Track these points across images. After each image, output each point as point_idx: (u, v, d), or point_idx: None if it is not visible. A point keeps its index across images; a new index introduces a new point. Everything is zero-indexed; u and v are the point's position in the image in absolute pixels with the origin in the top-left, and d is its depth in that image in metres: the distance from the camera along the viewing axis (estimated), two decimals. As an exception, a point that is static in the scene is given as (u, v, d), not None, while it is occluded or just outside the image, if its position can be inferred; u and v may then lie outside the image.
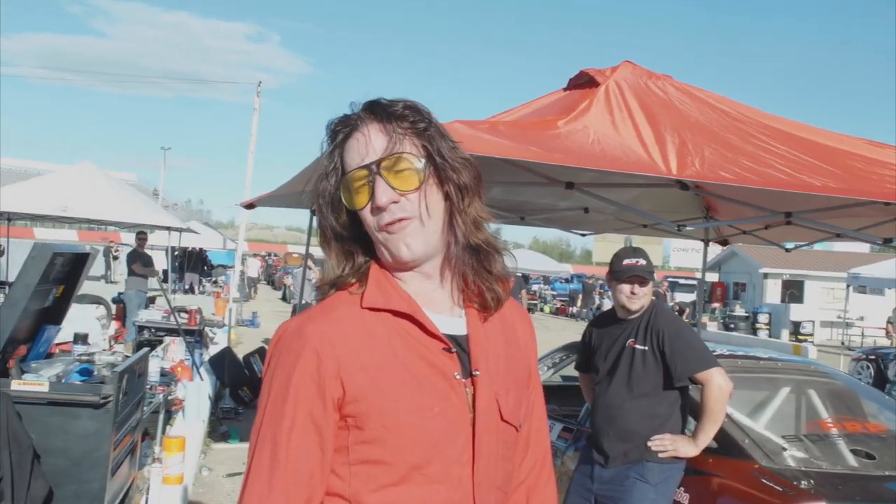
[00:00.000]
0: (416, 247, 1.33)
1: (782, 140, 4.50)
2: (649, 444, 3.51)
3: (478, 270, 1.41)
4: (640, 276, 3.63)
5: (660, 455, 3.49)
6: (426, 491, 1.30)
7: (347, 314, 1.35)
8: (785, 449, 3.59)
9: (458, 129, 3.63)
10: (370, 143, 1.33)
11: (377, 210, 1.32)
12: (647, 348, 3.60)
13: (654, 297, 3.77)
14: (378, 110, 1.35)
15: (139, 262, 13.44)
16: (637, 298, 3.65)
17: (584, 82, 4.92)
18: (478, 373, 1.37)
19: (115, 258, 33.64)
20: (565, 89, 5.11)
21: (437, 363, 1.35)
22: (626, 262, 3.70)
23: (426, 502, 1.31)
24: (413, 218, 1.32)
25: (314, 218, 7.35)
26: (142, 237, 13.99)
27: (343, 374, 1.30)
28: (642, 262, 3.69)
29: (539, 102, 5.11)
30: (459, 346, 1.39)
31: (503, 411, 1.40)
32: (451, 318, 1.41)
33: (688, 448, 3.46)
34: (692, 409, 3.63)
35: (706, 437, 3.45)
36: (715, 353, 4.39)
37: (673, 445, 3.49)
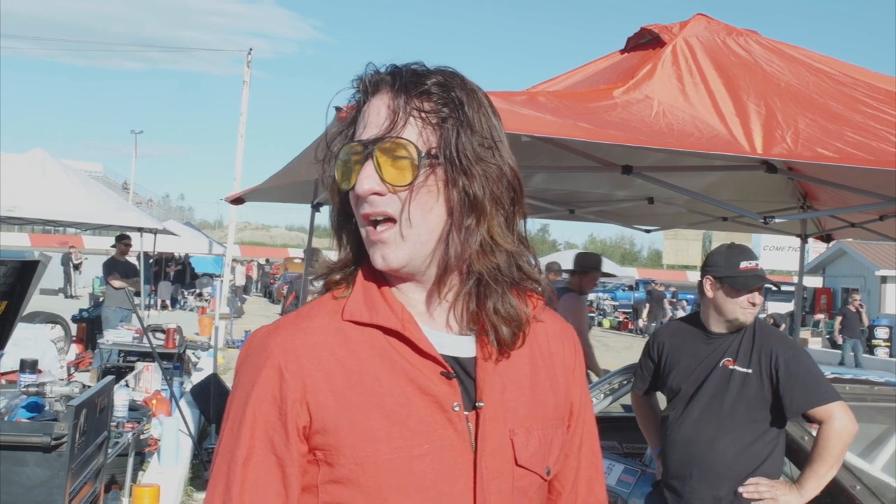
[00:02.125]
0: (395, 259, 1.32)
1: (900, 106, 4.40)
2: (741, 490, 3.47)
3: (481, 303, 1.37)
4: (762, 284, 3.61)
5: None
6: None
7: (325, 325, 1.35)
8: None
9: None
10: (376, 114, 1.33)
11: (359, 198, 1.32)
12: (750, 371, 3.57)
13: None
14: (397, 78, 1.34)
15: (117, 272, 13.45)
16: (755, 311, 3.64)
17: (645, 42, 4.89)
18: (481, 404, 1.35)
19: (76, 267, 34.14)
20: (623, 51, 5.10)
21: (432, 390, 1.33)
22: (745, 265, 3.67)
23: None
24: (397, 221, 1.31)
25: (316, 213, 7.38)
26: (125, 242, 13.97)
27: (310, 397, 1.30)
28: (759, 264, 3.68)
29: (590, 68, 5.08)
30: (465, 372, 1.37)
31: (519, 454, 1.38)
32: (455, 337, 1.39)
33: (790, 497, 3.41)
34: (790, 450, 3.58)
35: (816, 486, 3.40)
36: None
37: (771, 493, 3.44)
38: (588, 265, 8.23)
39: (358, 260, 1.41)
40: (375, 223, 1.32)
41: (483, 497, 1.32)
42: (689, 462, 3.61)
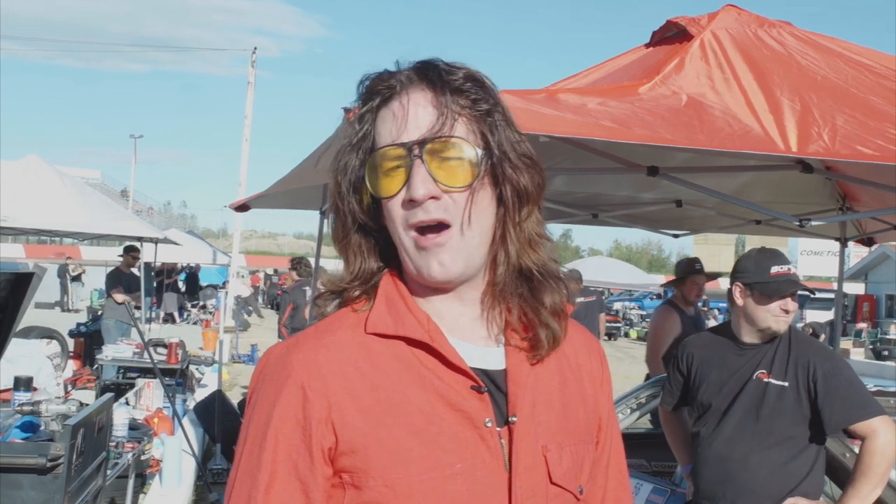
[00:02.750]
0: (453, 265, 1.32)
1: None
2: None
3: (528, 300, 1.40)
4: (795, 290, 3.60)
5: None
6: None
7: (347, 339, 1.35)
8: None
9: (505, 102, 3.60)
10: (415, 115, 1.32)
11: (410, 204, 1.31)
12: (786, 384, 3.55)
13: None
14: (432, 74, 1.34)
15: (121, 284, 13.61)
16: (789, 318, 3.62)
17: (672, 35, 4.88)
18: (515, 419, 1.35)
19: (77, 279, 34.28)
20: (648, 45, 5.09)
21: (463, 406, 1.33)
22: (776, 269, 3.66)
23: None
24: (453, 225, 1.31)
25: (325, 220, 7.37)
26: (133, 255, 14.18)
27: (335, 417, 1.30)
28: (793, 269, 3.66)
29: (613, 63, 5.08)
30: (495, 385, 1.37)
31: (553, 472, 1.38)
32: (484, 349, 1.39)
33: None
34: (831, 468, 3.56)
35: None
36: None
37: None
38: (683, 270, 7.32)
39: (376, 273, 1.41)
40: (422, 230, 1.31)
41: None
42: (723, 481, 3.59)
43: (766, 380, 3.58)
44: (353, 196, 1.38)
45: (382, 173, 1.33)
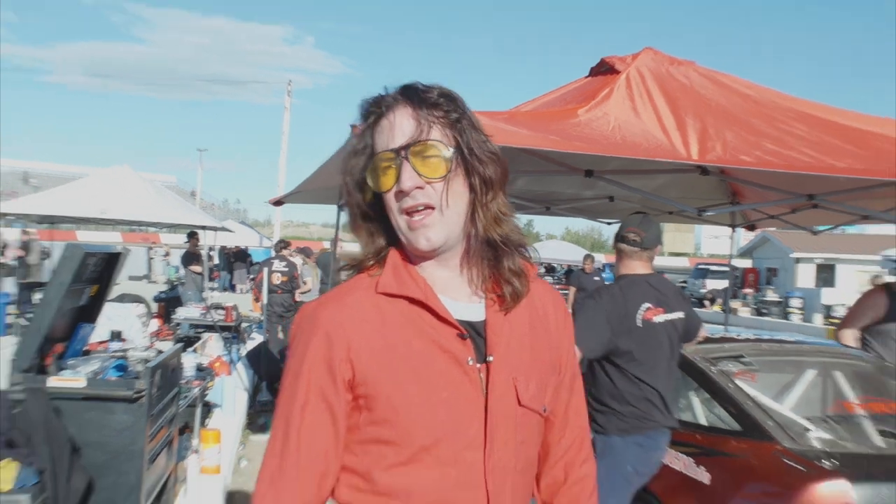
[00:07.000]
0: (436, 237, 1.33)
1: (806, 122, 4.39)
2: None
3: (493, 264, 1.40)
4: None
5: None
6: (436, 472, 1.31)
7: (362, 299, 1.36)
8: (808, 430, 3.52)
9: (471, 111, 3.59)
10: (400, 126, 1.33)
11: (401, 194, 1.32)
12: None
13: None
14: (412, 95, 1.35)
15: (196, 260, 14.41)
16: None
17: (605, 70, 4.85)
18: (491, 358, 1.36)
19: (167, 256, 33.99)
20: (587, 77, 5.05)
21: (451, 349, 1.34)
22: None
23: (436, 483, 1.31)
24: (436, 207, 1.31)
25: (341, 212, 7.34)
26: (195, 239, 14.72)
27: (353, 356, 1.32)
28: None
29: (561, 91, 5.05)
30: (476, 332, 1.38)
31: (521, 397, 1.39)
32: (468, 305, 1.40)
33: None
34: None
35: None
36: (740, 338, 4.33)
37: None
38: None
39: (383, 248, 1.42)
40: (411, 213, 1.32)
41: (492, 431, 1.35)
42: None
43: None
44: (358, 192, 1.39)
45: (380, 172, 1.34)
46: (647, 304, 3.60)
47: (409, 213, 1.32)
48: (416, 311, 1.35)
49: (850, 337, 5.08)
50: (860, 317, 5.15)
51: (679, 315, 3.69)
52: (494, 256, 1.39)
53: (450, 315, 1.35)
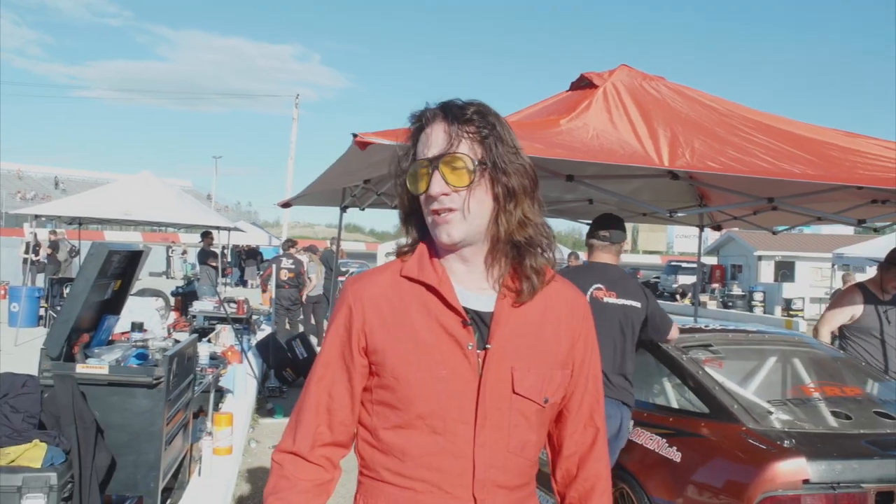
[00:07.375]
0: (456, 234, 1.36)
1: (765, 132, 4.43)
2: None
3: (516, 261, 1.42)
4: None
5: None
6: (427, 439, 1.37)
7: (388, 279, 1.44)
8: (770, 412, 3.53)
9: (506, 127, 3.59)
10: (435, 139, 1.37)
11: (430, 198, 1.36)
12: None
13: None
14: (448, 111, 1.38)
15: (212, 257, 14.41)
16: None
17: (584, 84, 4.87)
18: (490, 346, 1.38)
19: (184, 253, 33.88)
20: (568, 91, 5.07)
21: (454, 333, 1.38)
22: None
23: (427, 447, 1.37)
24: (458, 210, 1.35)
25: (343, 214, 7.32)
26: (209, 238, 14.67)
27: (367, 328, 1.40)
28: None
29: (545, 103, 5.05)
30: (483, 321, 1.40)
31: (517, 385, 1.39)
32: (480, 296, 1.42)
33: None
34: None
35: None
36: (708, 329, 4.33)
37: None
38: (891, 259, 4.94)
39: (417, 241, 1.46)
40: (438, 213, 1.37)
41: (483, 411, 1.37)
42: None
43: None
44: (403, 192, 1.44)
45: (417, 177, 1.38)
46: (598, 285, 3.68)
47: (436, 213, 1.36)
48: (430, 297, 1.39)
49: (828, 335, 5.03)
50: (839, 315, 5.02)
51: (634, 304, 3.70)
52: (518, 255, 1.42)
53: (457, 303, 1.38)
